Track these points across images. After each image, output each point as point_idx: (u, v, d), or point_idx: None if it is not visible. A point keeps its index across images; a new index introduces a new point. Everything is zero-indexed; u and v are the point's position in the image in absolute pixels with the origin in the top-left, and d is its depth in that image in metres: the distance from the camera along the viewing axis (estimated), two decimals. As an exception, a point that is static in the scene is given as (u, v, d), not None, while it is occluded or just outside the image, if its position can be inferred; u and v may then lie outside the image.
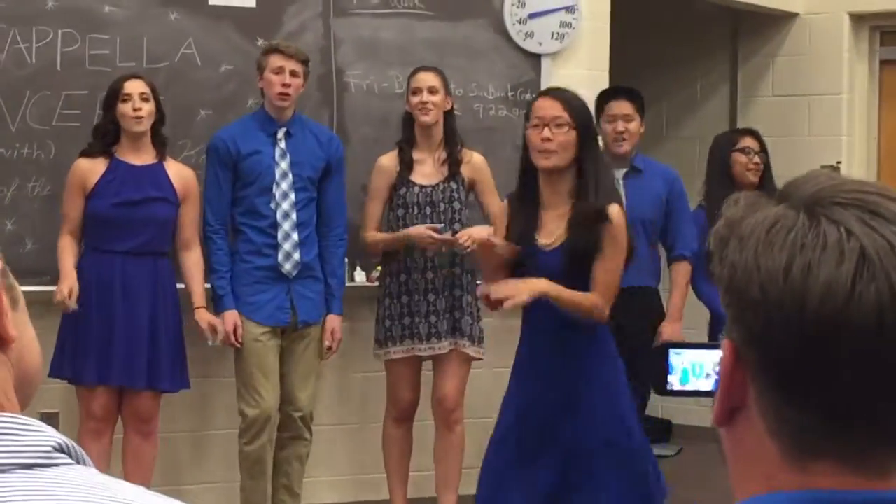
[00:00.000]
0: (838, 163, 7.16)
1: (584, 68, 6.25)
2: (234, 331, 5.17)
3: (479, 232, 4.83)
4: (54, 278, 4.97)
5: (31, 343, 1.05)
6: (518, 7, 6.10)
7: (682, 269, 5.57)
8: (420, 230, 5.24)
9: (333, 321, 5.34)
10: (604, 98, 5.66)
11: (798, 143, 7.23)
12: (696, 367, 1.41)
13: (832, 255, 0.93)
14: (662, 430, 7.63)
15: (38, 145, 5.27)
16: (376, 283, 5.57)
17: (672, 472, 6.92)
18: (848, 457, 0.95)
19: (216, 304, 5.20)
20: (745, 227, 0.98)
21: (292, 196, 5.21)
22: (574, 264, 4.01)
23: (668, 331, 5.49)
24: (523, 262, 4.10)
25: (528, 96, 6.06)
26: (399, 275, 5.34)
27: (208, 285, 5.18)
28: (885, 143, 7.53)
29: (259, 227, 5.20)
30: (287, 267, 5.20)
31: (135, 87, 4.98)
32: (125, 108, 4.96)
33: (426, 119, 5.33)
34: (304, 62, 5.23)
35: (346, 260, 5.48)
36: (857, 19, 7.38)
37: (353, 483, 5.98)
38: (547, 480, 4.05)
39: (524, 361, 4.21)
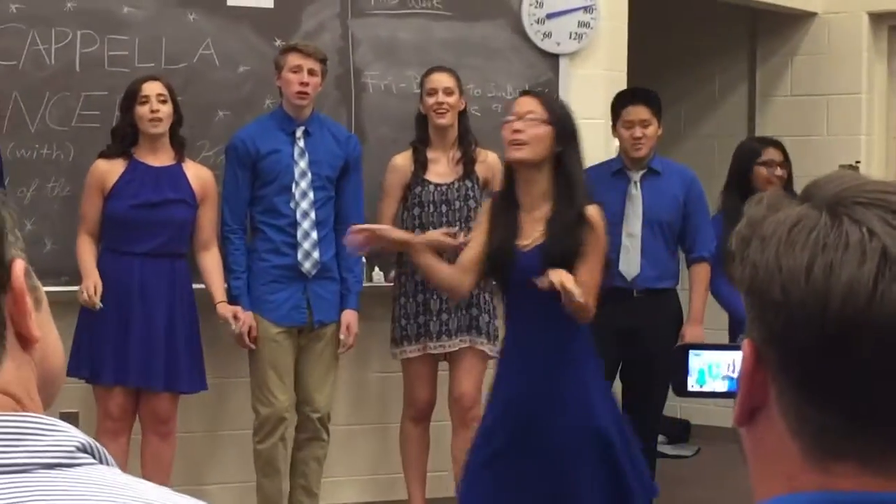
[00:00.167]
0: (857, 162, 7.14)
1: (601, 68, 6.24)
2: (249, 332, 5.18)
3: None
4: (73, 278, 4.98)
5: (55, 343, 1.06)
6: (536, 7, 6.09)
7: (703, 271, 5.54)
8: (436, 235, 5.23)
9: (349, 316, 5.34)
10: (620, 103, 5.62)
11: (816, 143, 7.21)
12: (712, 368, 1.41)
13: (854, 255, 0.93)
14: (681, 430, 7.62)
15: (58, 146, 5.29)
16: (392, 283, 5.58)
17: (690, 473, 6.93)
18: (869, 458, 0.94)
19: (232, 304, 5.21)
20: (766, 227, 0.97)
21: (311, 195, 5.22)
22: (551, 266, 4.01)
23: (689, 333, 5.48)
24: (500, 261, 4.12)
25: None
26: (415, 274, 5.35)
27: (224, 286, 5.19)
28: (904, 143, 7.51)
29: (278, 226, 5.21)
30: (307, 266, 5.21)
31: (152, 88, 4.99)
32: (143, 110, 4.97)
33: (442, 121, 5.34)
34: (323, 61, 5.23)
35: (364, 259, 5.48)
36: (876, 18, 7.35)
37: (371, 483, 5.98)
38: (524, 473, 4.06)
39: (509, 355, 4.24)
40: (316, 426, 5.35)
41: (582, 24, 6.17)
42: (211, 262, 5.14)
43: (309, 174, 5.22)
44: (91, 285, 4.89)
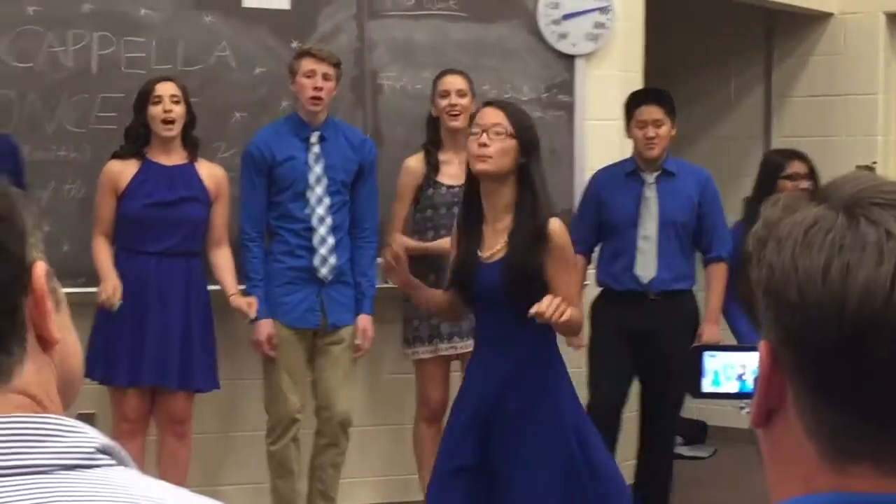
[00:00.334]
0: (874, 163, 7.11)
1: (617, 69, 6.24)
2: (269, 340, 5.18)
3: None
4: (90, 280, 5.00)
5: (74, 345, 1.06)
6: (552, 8, 6.09)
7: (719, 271, 5.52)
8: (446, 244, 5.22)
9: (364, 321, 5.34)
10: (633, 103, 5.60)
11: (833, 144, 7.19)
12: (727, 370, 1.41)
13: (871, 256, 0.93)
14: (698, 431, 7.61)
15: (75, 147, 5.30)
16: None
17: (707, 474, 6.92)
18: (883, 459, 0.94)
19: None
20: (783, 228, 0.97)
21: (327, 200, 5.22)
22: (512, 279, 4.01)
23: (707, 333, 5.47)
24: (463, 274, 4.12)
25: (562, 97, 6.06)
26: (427, 275, 5.35)
27: (241, 287, 5.20)
28: (921, 144, 7.48)
29: (294, 230, 5.21)
30: (323, 271, 5.21)
31: (165, 89, 5.00)
32: (155, 110, 4.98)
33: (455, 123, 5.34)
34: (337, 65, 5.23)
35: (379, 261, 5.49)
36: (893, 18, 7.33)
37: (385, 483, 5.99)
38: (491, 485, 4.06)
39: (477, 362, 4.23)
40: (336, 430, 5.34)
41: (598, 25, 6.16)
42: (223, 258, 5.15)
43: (325, 179, 5.22)
44: (110, 287, 4.89)
